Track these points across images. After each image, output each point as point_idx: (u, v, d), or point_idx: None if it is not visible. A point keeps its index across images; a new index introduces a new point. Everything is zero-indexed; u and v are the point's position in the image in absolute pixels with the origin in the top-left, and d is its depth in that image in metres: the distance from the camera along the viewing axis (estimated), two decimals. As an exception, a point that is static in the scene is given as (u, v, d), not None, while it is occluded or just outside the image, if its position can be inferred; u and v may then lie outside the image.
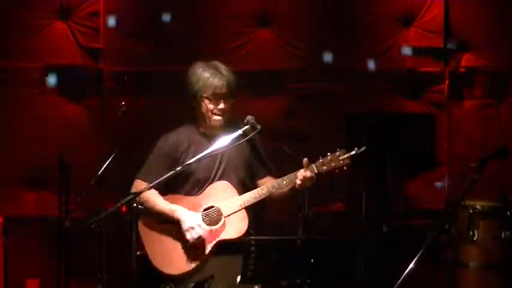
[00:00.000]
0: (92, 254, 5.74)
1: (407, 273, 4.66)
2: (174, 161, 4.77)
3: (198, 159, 4.59)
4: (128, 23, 6.60)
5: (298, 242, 4.45)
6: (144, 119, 6.36)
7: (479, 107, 6.61)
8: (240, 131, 4.66)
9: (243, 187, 4.80)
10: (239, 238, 4.66)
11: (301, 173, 4.66)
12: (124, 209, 5.03)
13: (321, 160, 4.67)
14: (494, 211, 5.65)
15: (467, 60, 6.59)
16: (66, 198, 5.81)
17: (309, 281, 4.33)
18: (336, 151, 4.66)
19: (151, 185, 4.59)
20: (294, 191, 4.76)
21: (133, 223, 4.69)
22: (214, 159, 4.77)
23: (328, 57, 6.56)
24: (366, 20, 6.63)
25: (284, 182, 4.71)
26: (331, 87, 6.54)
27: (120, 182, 5.54)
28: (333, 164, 4.64)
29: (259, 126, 4.70)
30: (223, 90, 4.75)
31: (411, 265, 4.69)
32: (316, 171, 4.66)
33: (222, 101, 4.76)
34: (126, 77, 6.42)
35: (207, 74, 4.75)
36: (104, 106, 6.53)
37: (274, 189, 4.72)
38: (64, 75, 6.57)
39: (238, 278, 4.44)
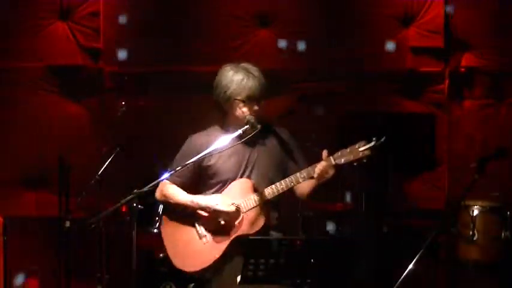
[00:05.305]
0: (92, 254, 5.75)
1: (407, 273, 4.66)
2: (199, 162, 4.74)
3: (200, 158, 4.59)
4: (128, 23, 6.59)
5: (298, 242, 4.44)
6: (144, 119, 6.37)
7: (479, 107, 6.61)
8: (240, 131, 4.65)
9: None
10: (255, 234, 4.65)
11: (318, 165, 4.62)
12: (124, 209, 5.04)
13: (339, 152, 4.61)
14: (494, 211, 5.66)
15: (467, 60, 6.59)
16: (66, 198, 5.82)
17: (309, 281, 4.33)
18: (355, 144, 4.59)
19: (150, 184, 4.58)
20: (317, 184, 4.68)
21: (133, 223, 4.69)
22: (242, 160, 4.77)
23: (328, 57, 6.56)
24: (366, 20, 6.63)
25: (302, 176, 4.65)
26: (331, 87, 6.54)
27: (120, 182, 5.56)
28: (352, 156, 4.58)
29: (259, 126, 4.68)
30: (257, 93, 4.73)
31: (411, 265, 4.69)
32: (333, 163, 4.59)
33: (255, 103, 4.74)
34: (126, 77, 6.41)
35: (240, 77, 4.71)
36: (104, 106, 6.53)
37: (292, 184, 4.67)
38: (64, 75, 6.58)
39: (239, 278, 4.44)
